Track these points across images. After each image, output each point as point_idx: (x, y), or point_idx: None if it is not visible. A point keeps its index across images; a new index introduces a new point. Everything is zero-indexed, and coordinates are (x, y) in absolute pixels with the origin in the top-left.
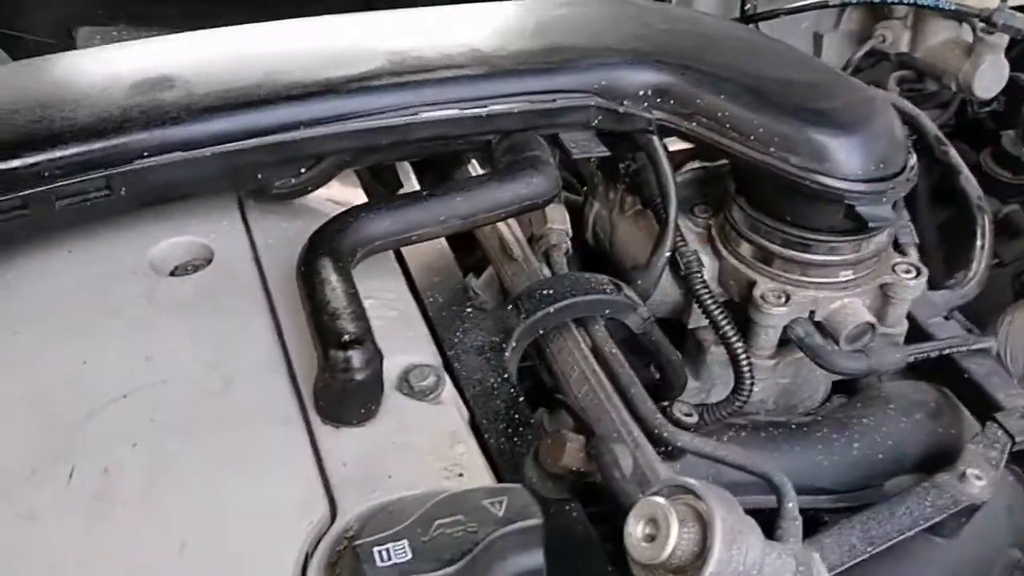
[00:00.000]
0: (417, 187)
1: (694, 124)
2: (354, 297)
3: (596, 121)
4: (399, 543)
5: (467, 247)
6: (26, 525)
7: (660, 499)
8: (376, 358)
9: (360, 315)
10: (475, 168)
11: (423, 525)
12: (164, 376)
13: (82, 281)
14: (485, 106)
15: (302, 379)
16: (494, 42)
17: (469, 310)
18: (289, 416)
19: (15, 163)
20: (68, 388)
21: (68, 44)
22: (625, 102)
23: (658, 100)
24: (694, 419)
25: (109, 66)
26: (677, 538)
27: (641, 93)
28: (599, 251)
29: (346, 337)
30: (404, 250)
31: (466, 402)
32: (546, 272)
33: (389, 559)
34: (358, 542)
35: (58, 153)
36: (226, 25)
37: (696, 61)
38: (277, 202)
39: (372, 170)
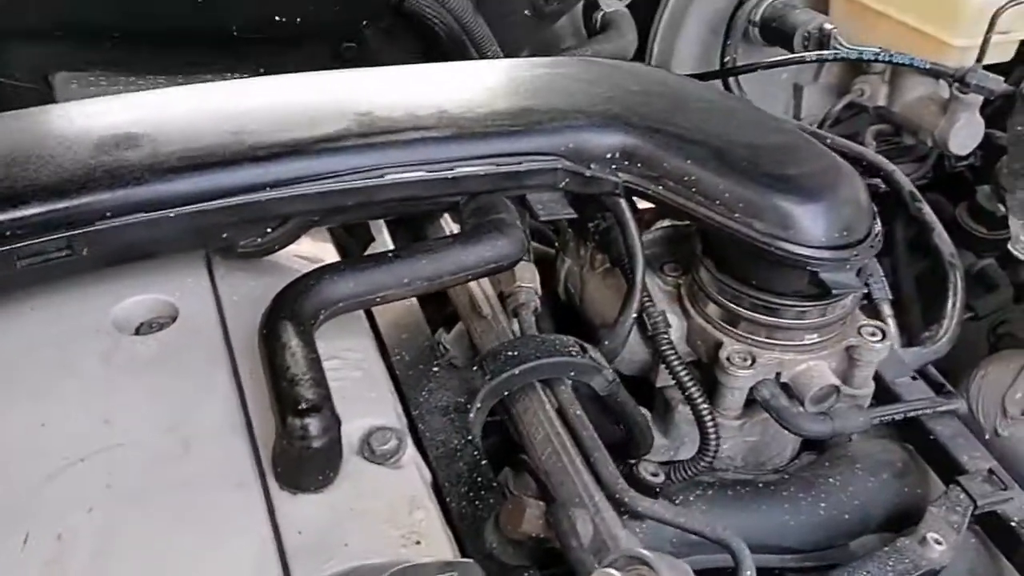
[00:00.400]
0: (389, 242)
1: (660, 187)
2: (314, 363)
3: (563, 183)
4: None
5: (440, 301)
6: None
7: (614, 571)
8: (334, 425)
9: (319, 381)
10: (447, 222)
11: None
12: (121, 439)
13: (43, 340)
14: (452, 168)
15: (262, 442)
16: (462, 103)
17: (436, 369)
18: (246, 481)
19: None
20: (26, 450)
21: (45, 89)
22: (592, 165)
23: (625, 163)
24: (660, 479)
25: (76, 123)
26: None
27: (608, 156)
28: (571, 305)
29: (303, 405)
30: None
31: (429, 464)
32: (516, 330)
33: None
34: None
35: (19, 213)
36: (202, 71)
37: (664, 124)
38: (244, 259)
39: (343, 224)
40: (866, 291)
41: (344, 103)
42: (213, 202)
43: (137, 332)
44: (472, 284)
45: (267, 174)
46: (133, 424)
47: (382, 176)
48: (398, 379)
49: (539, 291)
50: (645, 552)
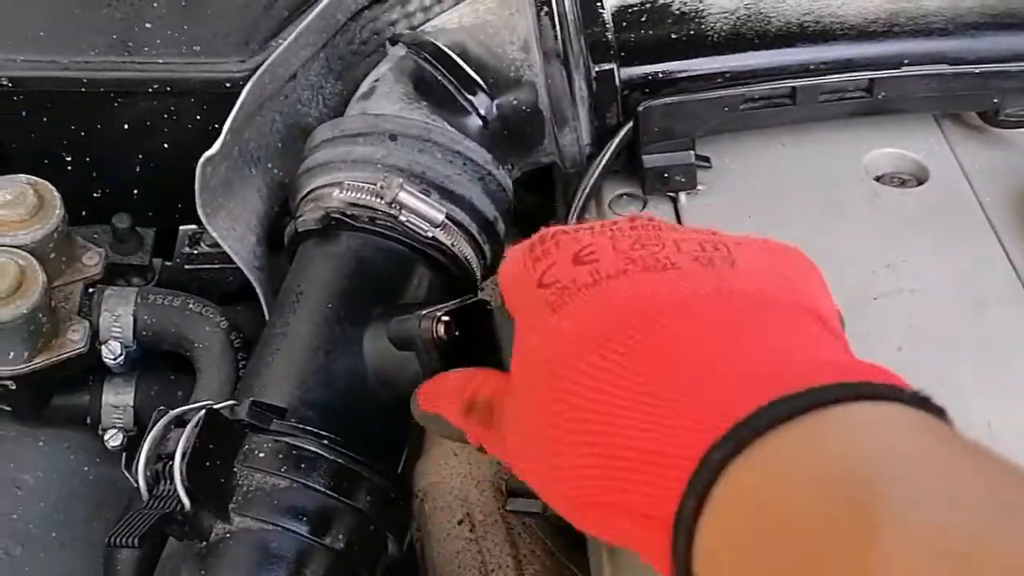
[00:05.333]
0: None
1: None
2: None
3: None
4: None
5: None
6: None
7: None
8: None
9: None
10: None
11: None
12: (911, 286)
13: (802, 177)
14: None
15: None
16: None
17: None
18: None
19: (789, 55)
20: None
21: None
22: None
23: None
24: None
25: None
26: None
27: None
28: None
29: None
30: None
31: None
32: None
33: None
34: None
35: (829, 51)
36: None
37: None
38: (974, 129)
39: None
40: None
41: None
42: (1012, 63)
43: (878, 181)
44: None
45: None
46: (917, 274)
47: None
48: None
49: None
50: None
